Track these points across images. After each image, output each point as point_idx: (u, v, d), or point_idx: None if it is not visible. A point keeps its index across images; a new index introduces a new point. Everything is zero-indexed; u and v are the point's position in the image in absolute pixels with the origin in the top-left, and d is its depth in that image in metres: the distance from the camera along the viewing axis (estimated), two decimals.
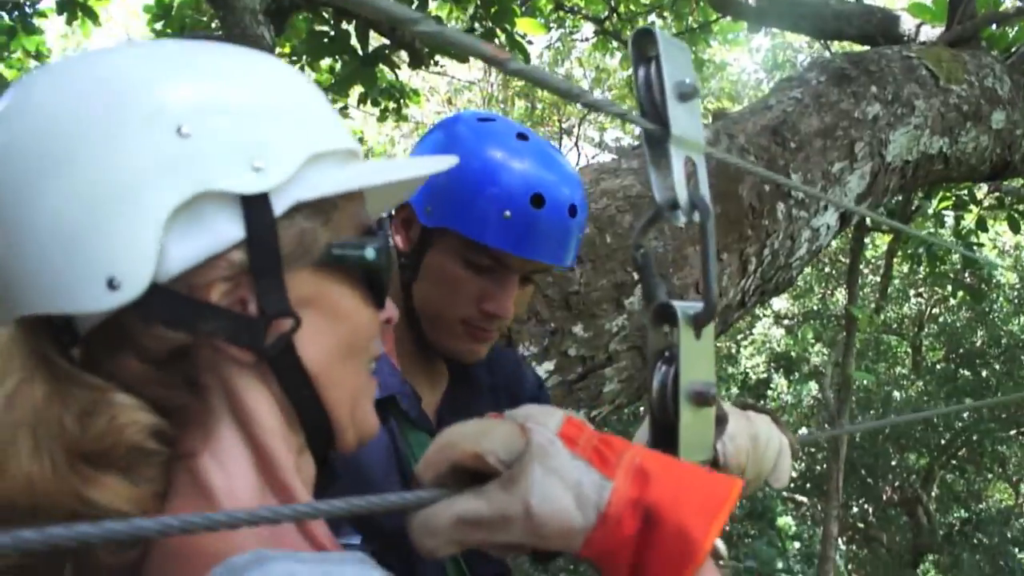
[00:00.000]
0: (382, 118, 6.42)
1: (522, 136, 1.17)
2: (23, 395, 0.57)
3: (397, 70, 5.43)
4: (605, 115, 9.84)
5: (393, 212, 1.19)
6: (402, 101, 6.35)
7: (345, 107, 6.69)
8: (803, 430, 9.79)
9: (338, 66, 5.59)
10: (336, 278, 0.65)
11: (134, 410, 0.58)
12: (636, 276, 1.85)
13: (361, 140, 7.38)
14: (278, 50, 4.77)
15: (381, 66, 5.43)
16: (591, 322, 1.77)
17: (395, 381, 1.15)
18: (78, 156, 0.56)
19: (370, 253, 0.66)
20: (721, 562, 0.75)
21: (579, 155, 10.45)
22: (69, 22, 4.94)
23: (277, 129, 0.62)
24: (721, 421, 0.85)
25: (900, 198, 5.34)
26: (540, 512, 0.60)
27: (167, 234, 0.57)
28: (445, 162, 0.74)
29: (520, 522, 0.61)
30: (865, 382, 9.28)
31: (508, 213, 1.10)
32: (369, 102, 6.28)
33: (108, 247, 0.56)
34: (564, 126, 9.98)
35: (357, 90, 6.25)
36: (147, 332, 0.59)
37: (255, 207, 0.60)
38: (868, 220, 3.91)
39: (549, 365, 1.72)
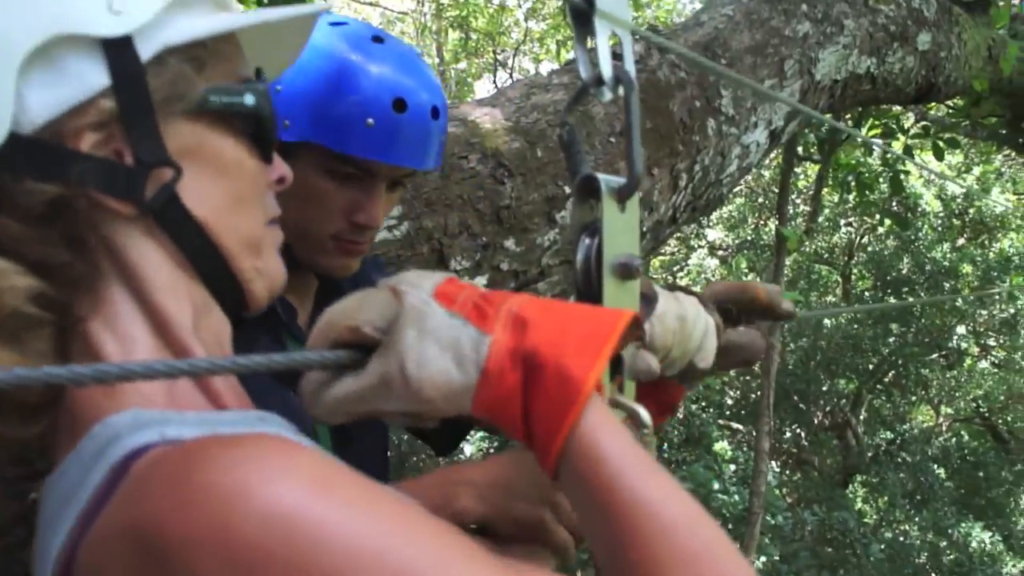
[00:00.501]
0: None
1: (378, 39, 1.12)
2: None
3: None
4: (540, 46, 9.74)
5: None
6: None
7: None
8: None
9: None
10: (217, 127, 0.63)
11: (10, 274, 0.55)
12: (567, 190, 1.84)
13: None
14: None
15: None
16: (523, 236, 1.76)
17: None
18: None
19: (249, 99, 0.64)
20: (645, 431, 0.73)
21: (511, 84, 10.32)
22: None
23: None
24: (651, 300, 0.84)
25: (827, 126, 5.42)
26: (417, 376, 0.56)
27: (25, 80, 0.54)
28: (313, 8, 0.72)
29: (400, 389, 0.57)
30: (798, 308, 9.52)
31: (371, 121, 1.07)
32: None
33: None
34: (499, 58, 9.84)
35: None
36: (17, 187, 0.56)
37: (118, 51, 0.57)
38: (798, 143, 3.96)
39: (482, 280, 1.71)
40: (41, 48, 0.54)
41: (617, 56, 0.78)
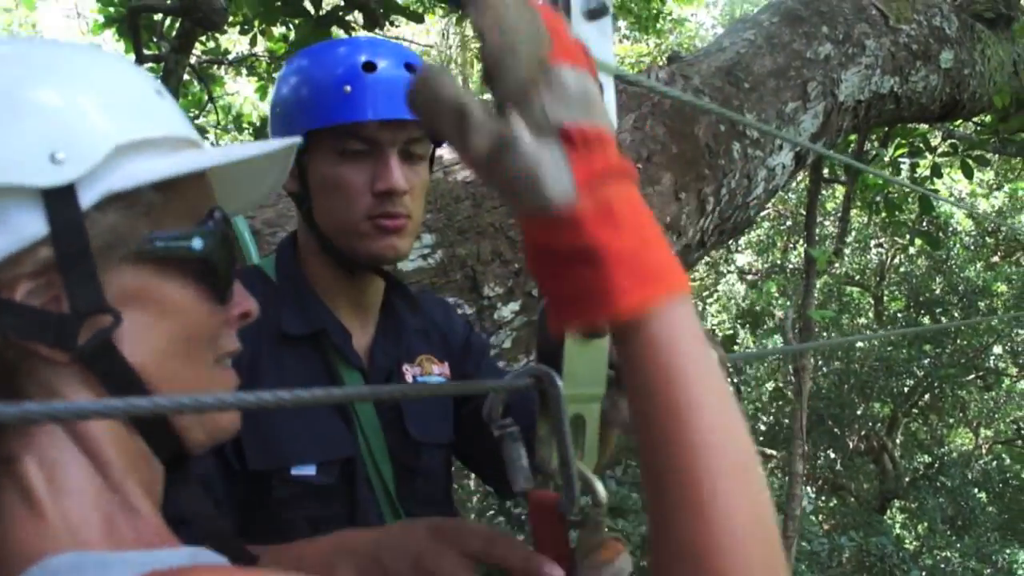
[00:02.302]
0: None
1: (352, 43, 1.21)
2: None
3: (352, 32, 5.36)
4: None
5: None
6: None
7: None
8: (769, 384, 9.96)
9: (292, 35, 5.51)
10: (162, 272, 0.62)
11: None
12: None
13: None
14: (231, 17, 4.69)
15: (336, 29, 5.36)
16: None
17: (324, 316, 1.16)
18: None
19: (197, 244, 0.63)
20: (599, 509, 0.70)
21: None
22: None
23: (80, 119, 0.59)
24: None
25: (854, 146, 5.42)
26: (517, 166, 0.53)
27: None
28: (281, 143, 0.70)
29: (490, 159, 0.54)
30: (830, 331, 9.45)
31: (348, 88, 1.12)
32: None
33: None
34: None
35: None
36: None
37: (57, 200, 0.57)
38: (824, 165, 3.97)
39: (514, 305, 1.73)
40: None
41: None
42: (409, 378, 1.22)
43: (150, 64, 5.72)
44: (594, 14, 0.73)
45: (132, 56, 4.99)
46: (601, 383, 0.74)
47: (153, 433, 0.63)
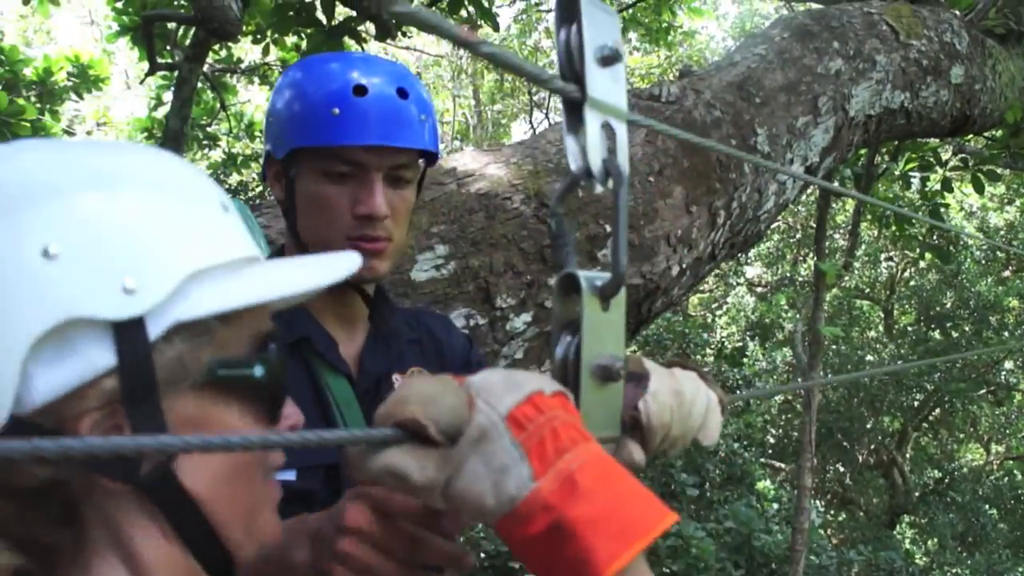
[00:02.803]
0: None
1: (346, 59, 1.22)
2: None
3: (364, 43, 5.40)
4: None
5: (268, 172, 1.24)
6: None
7: None
8: (779, 397, 9.93)
9: (304, 44, 5.56)
10: (222, 398, 0.62)
11: None
12: (608, 228, 1.88)
13: None
14: (244, 27, 4.73)
15: (348, 40, 5.39)
16: None
17: (307, 323, 1.17)
18: None
19: (258, 371, 0.63)
20: (706, 444, 0.81)
21: (551, 127, 10.46)
22: (26, 2, 4.86)
23: (153, 247, 0.58)
24: (641, 379, 0.82)
25: (864, 160, 5.42)
26: (457, 488, 0.60)
27: (33, 360, 0.54)
28: (343, 266, 0.71)
29: (439, 492, 0.61)
30: (839, 344, 9.42)
31: (336, 110, 1.13)
32: None
33: None
34: (535, 98, 9.99)
35: None
36: (11, 468, 0.55)
37: (127, 332, 0.56)
38: (833, 177, 3.97)
39: (527, 317, 1.75)
40: (53, 330, 0.54)
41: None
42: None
43: (163, 72, 5.78)
44: (607, 61, 0.75)
45: (146, 64, 5.04)
46: (616, 426, 0.77)
47: (208, 553, 0.63)
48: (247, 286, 0.63)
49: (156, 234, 0.59)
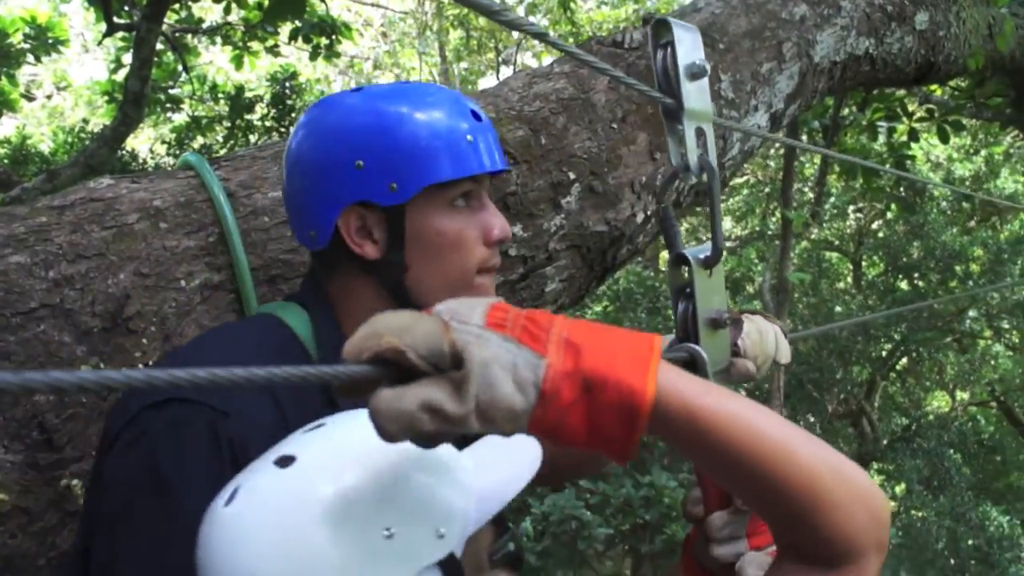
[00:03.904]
0: (313, 56, 6.28)
1: (436, 89, 1.17)
2: None
3: (327, 1, 5.30)
4: (541, 43, 9.71)
5: (345, 229, 1.11)
6: (334, 37, 6.21)
7: (276, 45, 6.53)
8: None
9: (265, 2, 5.44)
10: None
11: None
12: (572, 175, 1.87)
13: (295, 75, 7.21)
14: None
15: (312, 0, 5.29)
16: (529, 222, 1.79)
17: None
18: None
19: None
20: (783, 362, 1.16)
21: (514, 74, 10.37)
22: None
23: (454, 503, 0.79)
24: (739, 324, 1.09)
25: (831, 111, 5.43)
26: (486, 403, 0.63)
27: None
28: (534, 466, 0.88)
29: (474, 416, 0.64)
30: (809, 295, 9.53)
31: (470, 137, 1.09)
32: (300, 38, 6.14)
33: None
34: (502, 55, 9.87)
35: (289, 27, 6.10)
36: None
37: (447, 567, 0.77)
38: (802, 130, 3.98)
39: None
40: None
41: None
42: None
43: (122, 33, 5.63)
44: (695, 76, 0.96)
45: (104, 25, 4.91)
46: (727, 358, 1.05)
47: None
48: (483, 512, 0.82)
49: (456, 495, 0.79)
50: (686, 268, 1.00)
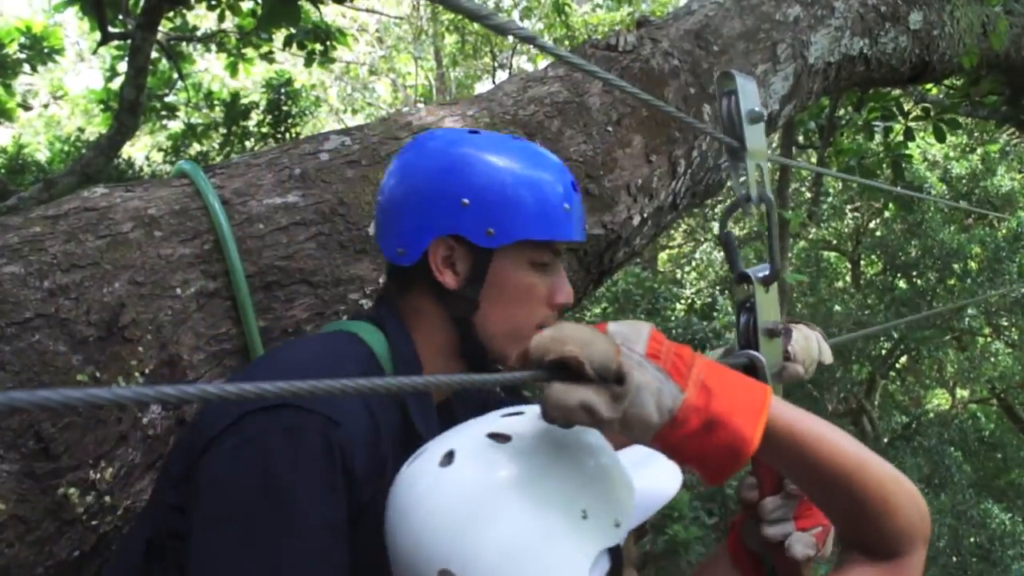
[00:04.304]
0: (308, 62, 6.28)
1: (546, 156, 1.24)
2: None
3: (321, 5, 5.30)
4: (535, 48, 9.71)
5: (432, 255, 1.17)
6: (328, 43, 6.21)
7: (271, 52, 6.53)
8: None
9: (259, 9, 5.44)
10: None
11: None
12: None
13: (290, 82, 7.21)
14: None
15: (306, 6, 5.29)
16: None
17: (434, 423, 1.16)
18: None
19: None
20: (827, 363, 1.31)
21: (508, 79, 10.36)
22: None
23: (629, 496, 0.94)
24: (790, 332, 1.24)
25: (827, 112, 5.44)
26: (631, 415, 0.81)
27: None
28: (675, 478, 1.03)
29: (617, 423, 0.82)
30: (807, 295, 9.53)
31: (567, 206, 1.18)
32: (295, 45, 6.14)
33: None
34: (497, 60, 9.87)
35: (284, 33, 6.10)
36: None
37: (613, 551, 0.91)
38: (798, 131, 3.98)
39: None
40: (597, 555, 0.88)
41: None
42: None
43: (116, 42, 5.63)
44: (754, 120, 1.13)
45: (99, 34, 4.91)
46: (778, 365, 1.21)
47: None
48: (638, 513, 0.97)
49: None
50: (748, 285, 1.17)
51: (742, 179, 1.16)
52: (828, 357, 1.32)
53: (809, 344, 1.27)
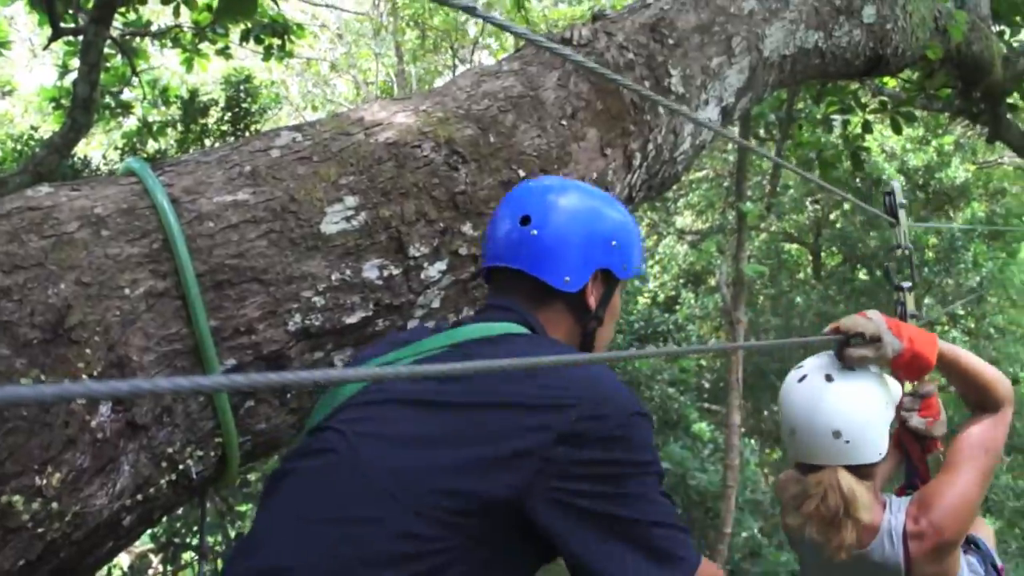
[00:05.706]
0: (266, 57, 6.21)
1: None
2: None
3: (279, 3, 5.24)
4: (496, 40, 9.74)
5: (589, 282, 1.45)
6: (286, 37, 6.14)
7: (227, 47, 6.44)
8: (712, 340, 10.14)
9: (214, 3, 5.36)
10: None
11: None
12: (522, 173, 1.87)
13: (249, 78, 7.12)
14: None
15: (263, 0, 5.22)
16: (480, 221, 1.78)
17: None
18: None
19: None
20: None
21: (462, 73, 10.33)
22: None
23: (895, 388, 2.08)
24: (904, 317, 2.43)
25: (785, 106, 5.50)
26: (887, 354, 1.81)
27: None
28: None
29: (879, 360, 1.84)
30: (768, 287, 9.63)
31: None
32: (252, 40, 6.06)
33: None
34: (458, 55, 9.83)
35: (241, 28, 6.02)
36: None
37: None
38: (753, 122, 4.01)
39: (441, 265, 1.73)
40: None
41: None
42: None
43: (68, 38, 5.52)
44: (901, 206, 2.72)
45: (50, 30, 4.81)
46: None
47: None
48: None
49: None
50: (900, 293, 2.43)
51: (899, 239, 2.62)
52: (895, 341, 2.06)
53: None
